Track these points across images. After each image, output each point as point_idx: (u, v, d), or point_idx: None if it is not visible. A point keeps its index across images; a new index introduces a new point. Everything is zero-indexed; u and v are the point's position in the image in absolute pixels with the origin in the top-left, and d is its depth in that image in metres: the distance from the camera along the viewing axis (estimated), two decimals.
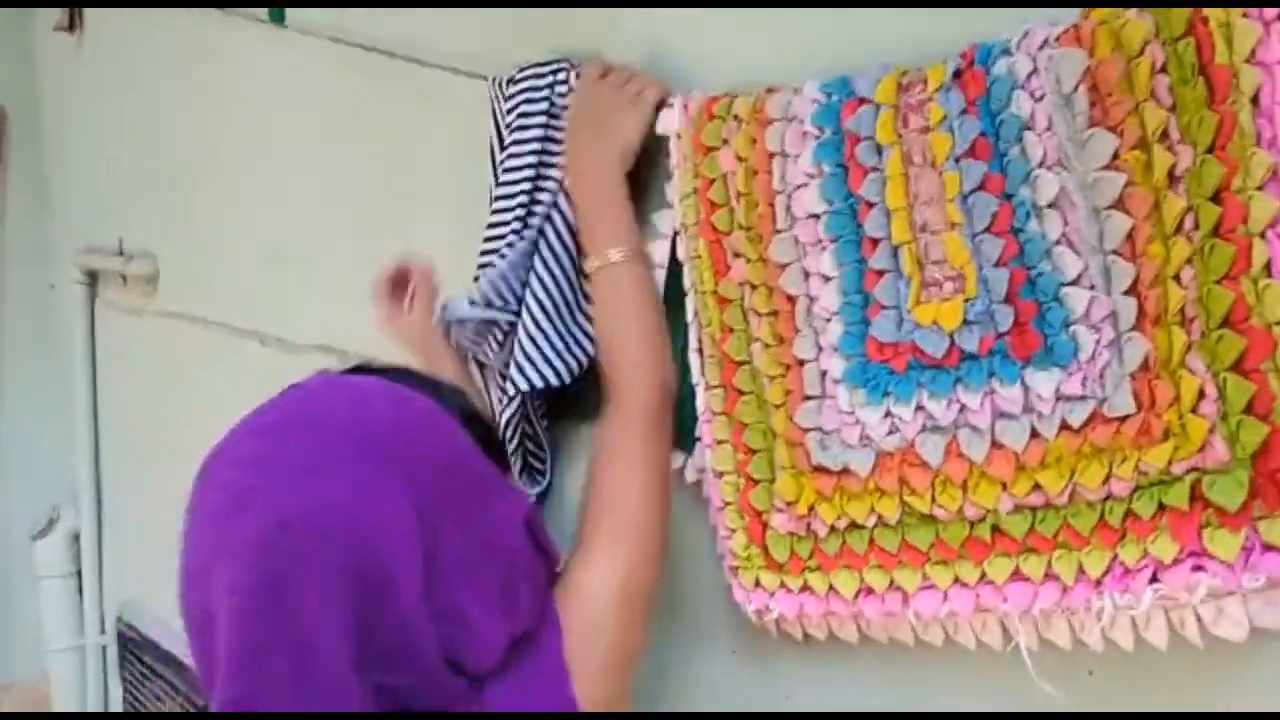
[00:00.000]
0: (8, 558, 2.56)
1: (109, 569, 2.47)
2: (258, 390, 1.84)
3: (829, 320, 0.92)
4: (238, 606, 0.67)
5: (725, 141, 0.98)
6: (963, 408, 0.83)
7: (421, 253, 1.37)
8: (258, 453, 0.73)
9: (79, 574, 2.50)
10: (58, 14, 2.25)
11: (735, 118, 0.97)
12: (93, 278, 2.39)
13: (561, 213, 1.08)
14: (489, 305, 1.09)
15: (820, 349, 0.92)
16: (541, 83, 1.11)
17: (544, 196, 1.09)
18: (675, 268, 1.06)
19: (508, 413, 1.11)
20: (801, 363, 0.94)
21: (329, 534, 0.67)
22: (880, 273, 0.88)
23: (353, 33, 1.49)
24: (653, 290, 1.01)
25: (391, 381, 0.80)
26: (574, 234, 1.08)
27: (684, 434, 1.07)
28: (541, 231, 1.08)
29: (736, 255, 0.98)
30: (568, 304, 1.09)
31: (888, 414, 0.87)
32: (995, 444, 0.82)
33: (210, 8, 1.78)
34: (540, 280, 1.07)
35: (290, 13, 1.61)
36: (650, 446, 0.93)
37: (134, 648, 2.32)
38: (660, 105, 1.04)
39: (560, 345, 1.08)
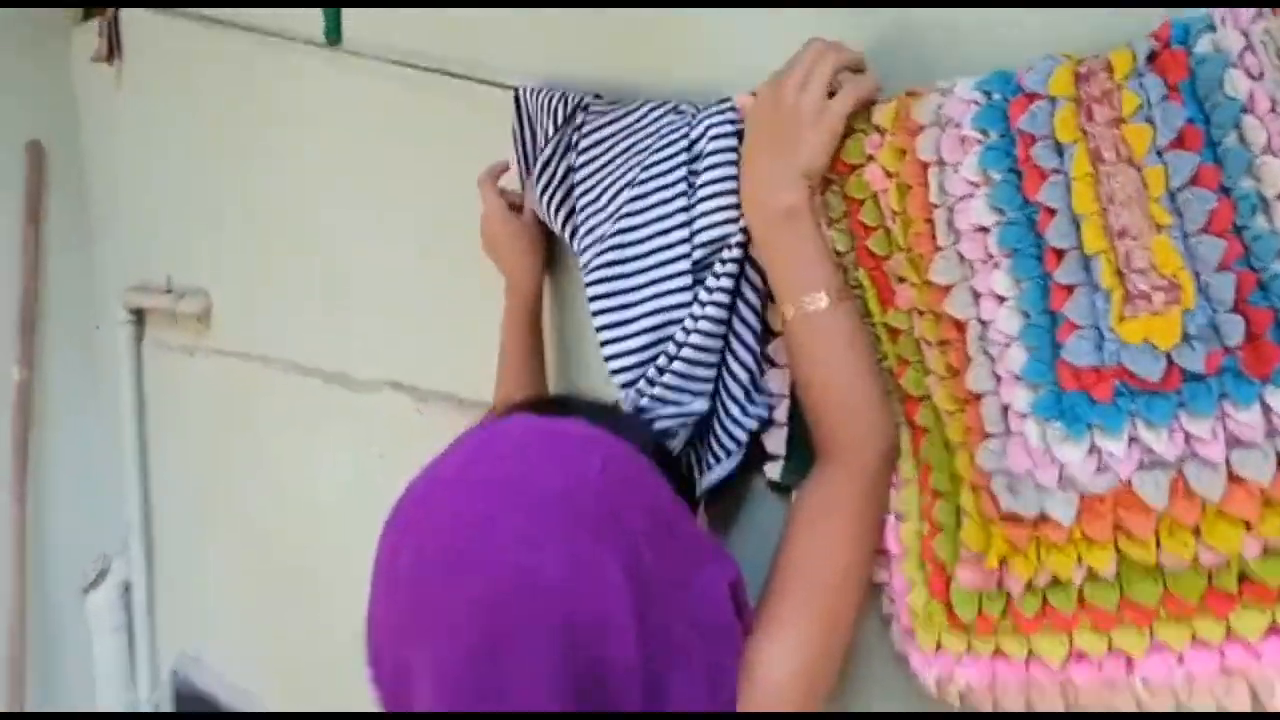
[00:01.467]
0: (58, 611, 2.50)
1: (162, 622, 2.40)
2: (323, 429, 1.78)
3: (1007, 346, 0.80)
4: (447, 675, 0.64)
5: (870, 157, 0.87)
6: (1189, 438, 0.72)
7: (491, 282, 1.29)
8: (463, 511, 0.68)
9: (131, 627, 2.44)
10: (95, 44, 2.21)
11: (877, 128, 0.87)
12: (139, 316, 2.33)
13: (754, 267, 0.95)
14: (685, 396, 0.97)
15: (999, 379, 0.81)
16: (681, 119, 1.00)
17: (718, 251, 0.96)
18: None
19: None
20: (978, 396, 0.83)
21: (545, 611, 0.63)
22: (1069, 288, 0.76)
23: (410, 53, 1.41)
24: (862, 331, 0.87)
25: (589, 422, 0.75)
26: (763, 289, 0.96)
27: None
28: (738, 294, 0.95)
29: (900, 280, 0.87)
30: (759, 370, 0.99)
31: (1093, 450, 0.76)
32: (1233, 478, 0.70)
33: (258, 25, 1.71)
34: (737, 356, 0.97)
35: (345, 30, 1.54)
36: (864, 512, 0.83)
37: (189, 704, 2.25)
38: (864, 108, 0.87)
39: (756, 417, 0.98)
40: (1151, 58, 0.71)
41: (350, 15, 1.54)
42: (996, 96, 0.79)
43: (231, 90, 1.89)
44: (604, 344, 1.04)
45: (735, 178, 0.93)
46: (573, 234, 1.11)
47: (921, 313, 0.87)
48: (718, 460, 0.98)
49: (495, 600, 0.63)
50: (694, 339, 0.95)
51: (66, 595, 2.46)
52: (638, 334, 1.01)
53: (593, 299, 1.03)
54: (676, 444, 0.96)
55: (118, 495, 2.40)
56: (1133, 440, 0.74)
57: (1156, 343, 0.72)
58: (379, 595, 0.69)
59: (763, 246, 0.88)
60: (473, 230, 1.40)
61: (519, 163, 1.22)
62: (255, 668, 2.03)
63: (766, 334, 0.98)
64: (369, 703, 0.70)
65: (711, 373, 0.96)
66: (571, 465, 0.70)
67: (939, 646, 0.87)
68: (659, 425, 0.95)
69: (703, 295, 0.94)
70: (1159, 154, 0.71)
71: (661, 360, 0.97)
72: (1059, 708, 0.83)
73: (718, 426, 0.98)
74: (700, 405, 0.96)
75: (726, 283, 0.94)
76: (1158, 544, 0.74)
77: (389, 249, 1.56)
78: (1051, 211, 0.76)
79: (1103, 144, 0.74)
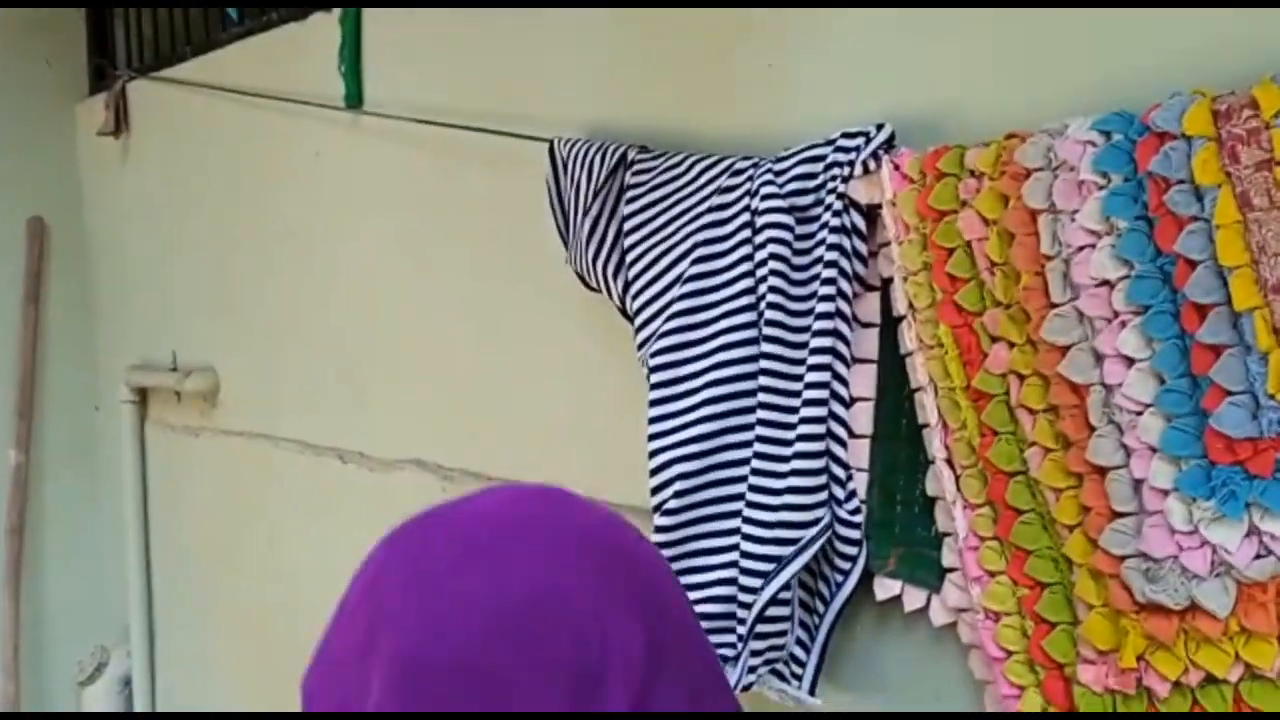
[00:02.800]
0: (54, 706, 2.35)
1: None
2: (340, 510, 1.66)
3: (1139, 414, 0.72)
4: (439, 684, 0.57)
5: (964, 203, 0.79)
6: None
7: (520, 355, 1.20)
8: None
9: None
10: (102, 117, 2.15)
11: (973, 173, 0.79)
12: (143, 396, 2.23)
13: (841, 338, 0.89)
14: None
15: (1129, 451, 0.72)
16: (818, 169, 0.90)
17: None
18: (891, 362, 0.88)
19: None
20: (1102, 470, 0.74)
21: (551, 625, 0.57)
22: (1215, 348, 0.68)
23: (433, 112, 1.34)
24: None
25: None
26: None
27: (920, 563, 0.87)
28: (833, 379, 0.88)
29: (995, 339, 0.79)
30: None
31: (1252, 531, 0.67)
32: None
33: (272, 91, 1.65)
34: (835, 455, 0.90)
35: (366, 93, 1.48)
36: None
37: None
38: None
39: None
40: None
41: (370, 78, 1.48)
42: (1118, 137, 0.71)
43: (242, 162, 1.82)
44: (655, 420, 0.95)
45: (787, 259, 0.89)
46: (626, 297, 1.03)
47: (1023, 376, 0.78)
48: (844, 574, 0.89)
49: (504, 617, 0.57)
50: (800, 446, 0.88)
51: (63, 689, 2.33)
52: (697, 407, 0.93)
53: (655, 369, 0.95)
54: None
55: (118, 583, 2.28)
56: None
57: None
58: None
59: None
60: (501, 299, 1.33)
61: (556, 221, 1.14)
62: None
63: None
64: None
65: (822, 480, 0.88)
66: (620, 528, 0.62)
67: None
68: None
69: (808, 394, 0.87)
70: None
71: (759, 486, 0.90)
72: None
73: (834, 537, 0.89)
74: (824, 519, 0.88)
75: (822, 375, 0.87)
76: None
77: (411, 322, 1.48)
78: (1191, 263, 0.68)
79: (1251, 188, 0.66)
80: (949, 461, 0.83)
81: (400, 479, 1.53)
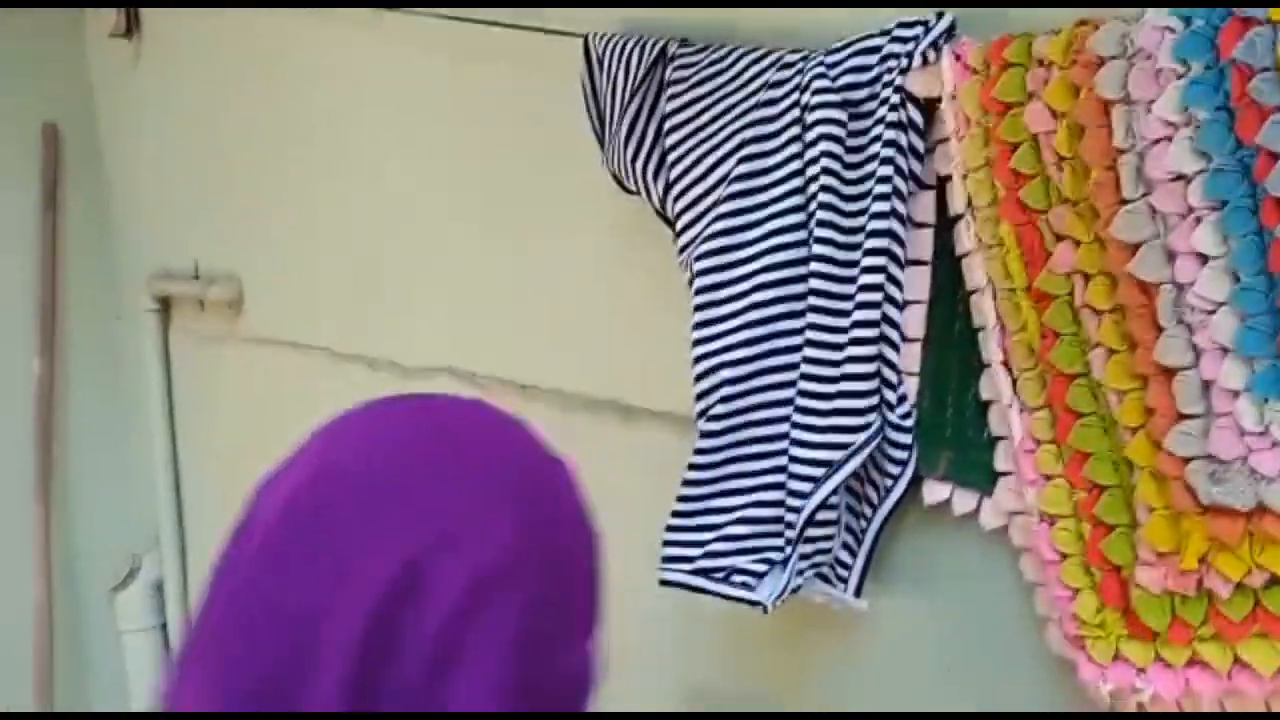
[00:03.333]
0: (87, 612, 2.39)
1: None
2: None
3: (1211, 313, 0.70)
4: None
5: (1031, 95, 0.76)
6: None
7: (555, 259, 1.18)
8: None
9: (164, 627, 2.33)
10: (112, 18, 2.08)
11: (1042, 63, 0.76)
12: (165, 305, 2.20)
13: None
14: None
15: (1198, 352, 0.71)
16: (873, 60, 0.86)
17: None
18: (945, 264, 0.86)
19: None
20: (1169, 371, 0.72)
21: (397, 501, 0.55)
22: None
23: (464, 11, 1.30)
24: None
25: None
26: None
27: (971, 467, 0.86)
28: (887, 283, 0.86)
29: (1060, 238, 0.76)
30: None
31: None
32: None
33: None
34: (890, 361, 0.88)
35: None
36: None
37: None
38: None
39: None
40: None
41: None
42: (1200, 23, 0.68)
43: (259, 62, 1.77)
44: (700, 325, 0.94)
45: (840, 156, 0.86)
46: (667, 200, 1.00)
47: (1089, 276, 0.76)
48: (893, 479, 0.88)
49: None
50: (852, 350, 0.86)
51: (95, 595, 2.37)
52: (744, 311, 0.91)
53: (700, 273, 0.93)
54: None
55: (147, 492, 2.29)
56: None
57: None
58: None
59: None
60: (535, 204, 1.30)
61: (592, 121, 1.11)
62: None
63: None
64: None
65: (874, 385, 0.86)
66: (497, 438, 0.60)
67: (1117, 656, 0.77)
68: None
69: (861, 296, 0.85)
70: None
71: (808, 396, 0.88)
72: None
73: (884, 442, 0.87)
74: (875, 424, 0.87)
75: (876, 278, 0.85)
76: None
77: (443, 226, 1.45)
78: (1274, 156, 0.66)
79: None
80: (1006, 364, 0.82)
81: (433, 388, 1.52)
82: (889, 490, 0.88)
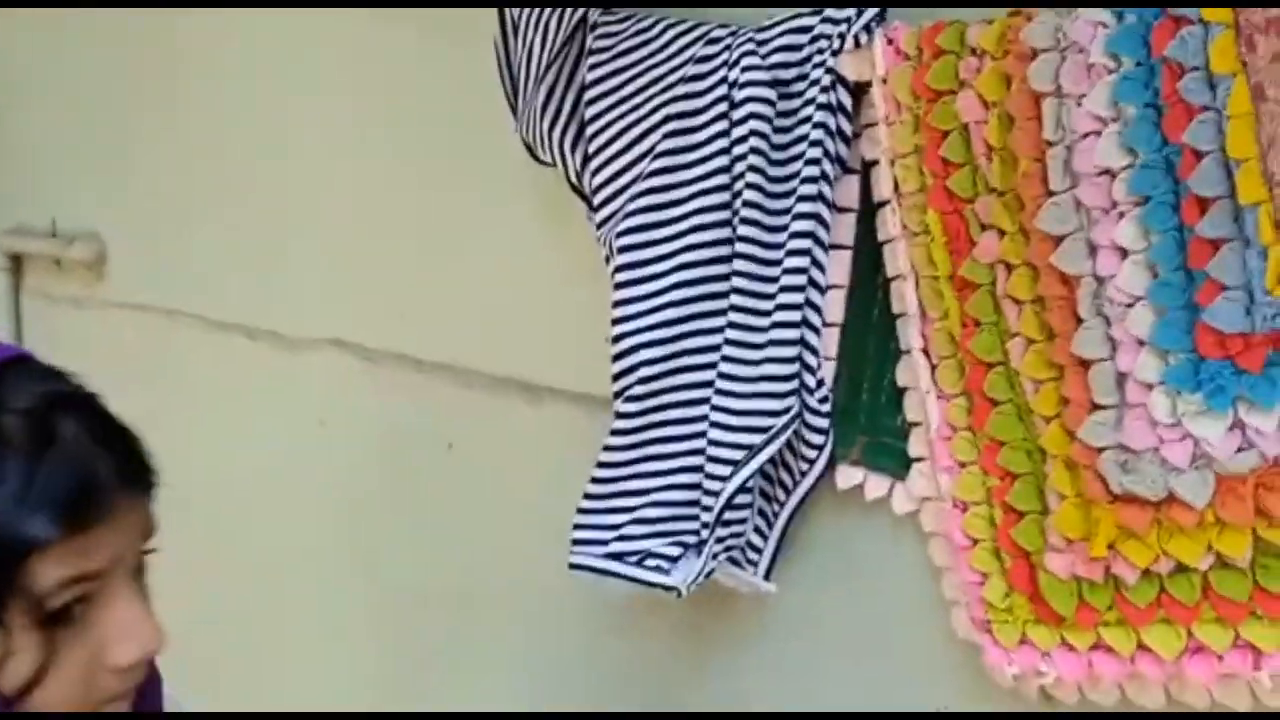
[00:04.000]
0: None
1: None
2: (247, 394, 1.58)
3: (1129, 306, 0.71)
4: None
5: (964, 83, 0.77)
6: None
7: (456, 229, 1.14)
8: None
9: None
10: None
11: (975, 51, 0.76)
12: (16, 263, 2.07)
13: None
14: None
15: (1115, 344, 0.72)
16: (804, 40, 0.85)
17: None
18: (866, 250, 0.86)
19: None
20: (1085, 363, 0.73)
21: None
22: (1214, 242, 0.67)
23: None
24: None
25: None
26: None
27: (885, 453, 0.87)
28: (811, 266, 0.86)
29: (985, 227, 0.77)
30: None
31: (1236, 425, 0.68)
32: None
33: None
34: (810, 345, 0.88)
35: None
36: None
37: None
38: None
39: None
40: None
41: None
42: (1133, 19, 0.69)
43: (135, 16, 1.66)
44: (621, 304, 0.92)
45: (767, 135, 0.85)
46: (585, 172, 0.97)
47: (1012, 266, 0.77)
48: (809, 463, 0.87)
49: None
50: (775, 334, 0.85)
51: None
52: (666, 290, 0.90)
53: (622, 250, 0.90)
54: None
55: None
56: None
57: None
58: None
59: None
60: (439, 171, 1.25)
61: (505, 89, 1.07)
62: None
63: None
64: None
65: (795, 369, 0.85)
66: None
67: (1023, 640, 0.79)
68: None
69: (786, 280, 0.84)
70: None
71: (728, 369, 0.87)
72: (1159, 704, 0.76)
73: (801, 425, 0.86)
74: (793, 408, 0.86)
75: (801, 261, 0.84)
76: None
77: (335, 188, 1.38)
78: (1198, 154, 0.67)
79: (1266, 79, 0.65)
80: (925, 351, 0.82)
81: (316, 361, 1.45)
82: (804, 474, 0.88)
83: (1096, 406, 0.73)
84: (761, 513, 0.91)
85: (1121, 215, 0.71)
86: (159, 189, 1.69)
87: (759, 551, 0.91)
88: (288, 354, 1.49)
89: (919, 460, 0.85)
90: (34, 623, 0.58)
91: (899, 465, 0.86)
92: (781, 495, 0.90)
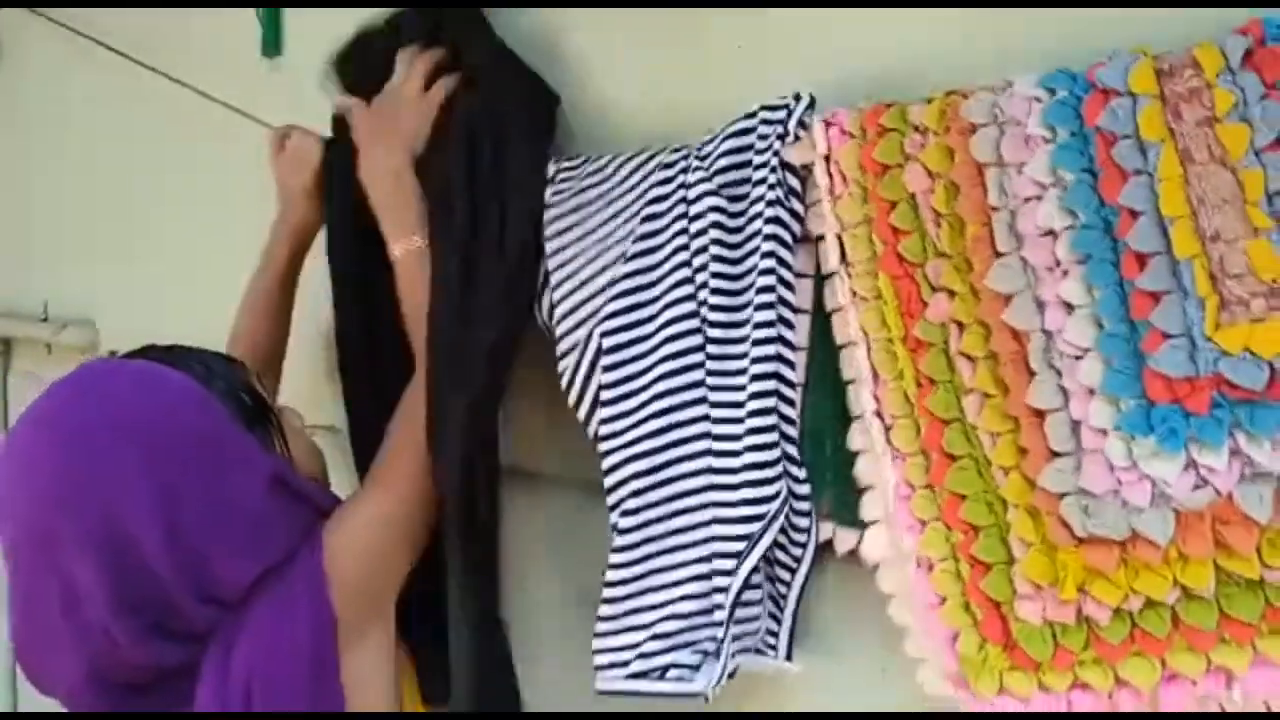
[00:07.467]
0: None
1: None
2: None
3: (1078, 358, 0.76)
4: (19, 555, 0.89)
5: (909, 157, 0.81)
6: None
7: None
8: (29, 435, 0.91)
9: None
10: None
11: (917, 128, 0.81)
12: (6, 346, 2.02)
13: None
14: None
15: (1067, 394, 0.76)
16: (748, 141, 0.89)
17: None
18: (819, 316, 0.89)
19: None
20: (1041, 413, 0.77)
21: (81, 512, 0.86)
22: (1155, 295, 0.73)
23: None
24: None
25: (161, 361, 0.93)
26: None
27: (851, 507, 0.88)
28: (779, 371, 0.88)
29: (936, 289, 0.81)
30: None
31: (1189, 465, 0.72)
32: None
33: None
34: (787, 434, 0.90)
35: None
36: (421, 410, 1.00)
37: None
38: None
39: None
40: (1246, 55, 0.69)
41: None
42: (1064, 93, 0.75)
43: (123, 96, 1.60)
44: (606, 422, 0.93)
45: (723, 240, 0.89)
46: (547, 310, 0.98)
47: (963, 324, 0.81)
48: (805, 534, 0.88)
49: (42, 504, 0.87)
50: (753, 422, 0.86)
51: None
52: (647, 403, 0.91)
53: (606, 370, 0.92)
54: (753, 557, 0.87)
55: None
56: (1233, 453, 0.71)
57: (1259, 351, 0.70)
58: None
59: (378, 203, 1.06)
60: None
61: None
62: None
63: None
64: None
65: (777, 454, 0.86)
66: (107, 395, 0.90)
67: (1001, 689, 0.80)
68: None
69: (754, 369, 0.86)
70: (1257, 155, 0.69)
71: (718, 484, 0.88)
72: None
73: (790, 512, 0.87)
74: (782, 492, 0.86)
75: (768, 349, 0.86)
76: (1261, 559, 0.71)
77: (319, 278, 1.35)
78: (1134, 214, 0.73)
79: (1193, 144, 0.71)
80: (878, 414, 0.85)
81: None
82: (804, 548, 0.88)
83: (1055, 454, 0.77)
84: (771, 597, 0.90)
85: (1066, 273, 0.75)
86: (153, 273, 1.65)
87: (775, 635, 0.90)
88: None
89: (874, 523, 0.86)
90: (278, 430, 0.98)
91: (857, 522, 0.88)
92: (785, 575, 0.89)
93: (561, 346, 0.96)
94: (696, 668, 0.86)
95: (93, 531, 0.84)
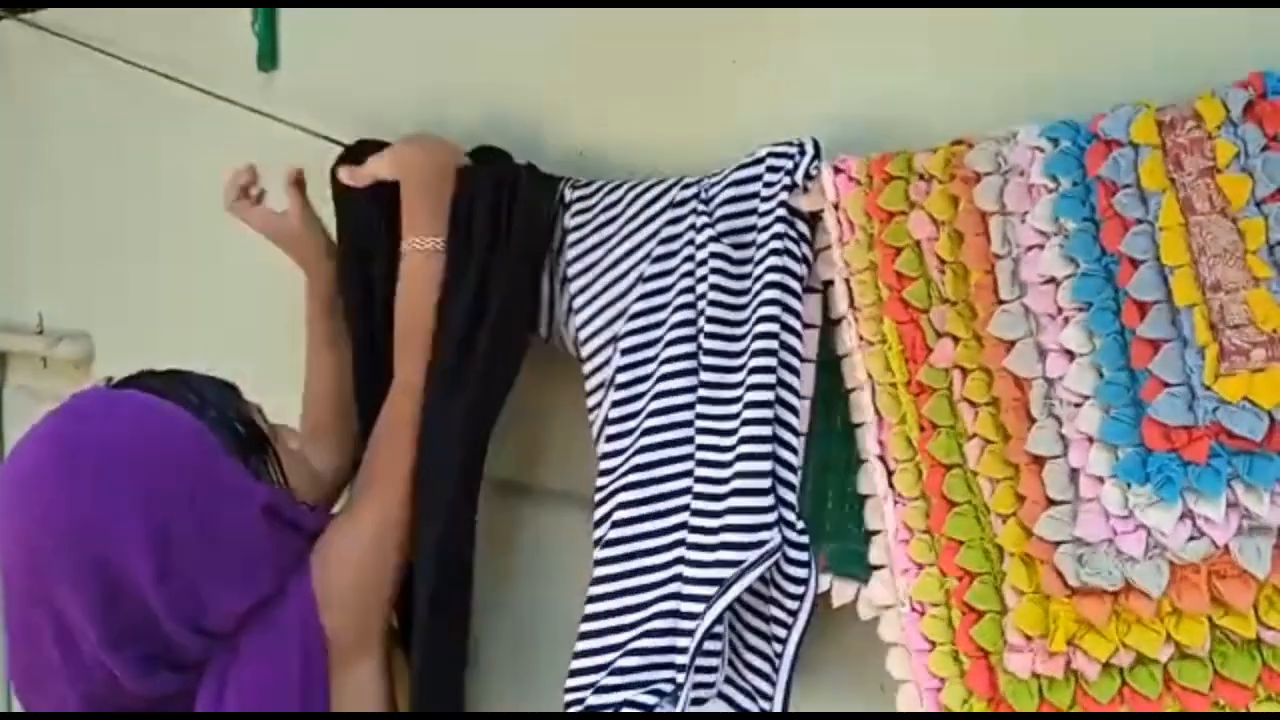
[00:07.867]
0: None
1: None
2: None
3: (1078, 406, 0.75)
4: (10, 581, 0.90)
5: (914, 204, 0.82)
6: None
7: None
8: (22, 467, 0.91)
9: None
10: None
11: (923, 176, 0.83)
12: (2, 360, 2.05)
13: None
14: None
15: (1067, 442, 0.76)
16: (754, 189, 0.90)
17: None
18: (826, 359, 0.90)
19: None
20: (1039, 460, 0.77)
21: (73, 542, 0.86)
22: (1155, 343, 0.72)
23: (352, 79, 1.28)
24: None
25: (154, 391, 0.94)
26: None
27: (850, 559, 0.88)
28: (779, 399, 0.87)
29: (941, 335, 0.81)
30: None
31: (1185, 515, 0.71)
32: None
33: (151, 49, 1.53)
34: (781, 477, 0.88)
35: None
36: (412, 422, 1.01)
37: None
38: None
39: None
40: (1247, 108, 0.70)
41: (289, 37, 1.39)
42: (1066, 144, 0.76)
43: (117, 103, 1.65)
44: (605, 457, 0.94)
45: (722, 285, 0.90)
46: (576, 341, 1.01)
47: (966, 371, 0.81)
48: (802, 585, 0.87)
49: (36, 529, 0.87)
50: (740, 466, 0.86)
51: None
52: (639, 438, 0.92)
53: (613, 405, 0.94)
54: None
55: None
56: (1231, 505, 0.69)
57: (1259, 401, 0.69)
58: None
59: (413, 190, 1.04)
60: None
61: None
62: None
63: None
64: None
65: (770, 500, 0.86)
66: (105, 423, 0.91)
67: None
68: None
69: (746, 414, 0.86)
70: (1258, 205, 0.70)
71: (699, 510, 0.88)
72: None
73: (783, 558, 0.86)
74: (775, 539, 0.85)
75: (764, 395, 0.86)
76: (1259, 617, 0.69)
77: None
78: (1135, 263, 0.73)
79: (1194, 194, 0.72)
80: (881, 458, 0.85)
81: None
82: (800, 600, 0.87)
83: (1052, 502, 0.76)
84: (764, 655, 0.89)
85: (1067, 320, 0.76)
86: (147, 284, 1.68)
87: (769, 699, 0.89)
88: None
89: (879, 568, 0.86)
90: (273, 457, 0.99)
91: (864, 571, 0.87)
92: (781, 631, 0.88)
93: (590, 383, 0.97)
94: (651, 709, 0.85)
95: (84, 564, 0.85)
